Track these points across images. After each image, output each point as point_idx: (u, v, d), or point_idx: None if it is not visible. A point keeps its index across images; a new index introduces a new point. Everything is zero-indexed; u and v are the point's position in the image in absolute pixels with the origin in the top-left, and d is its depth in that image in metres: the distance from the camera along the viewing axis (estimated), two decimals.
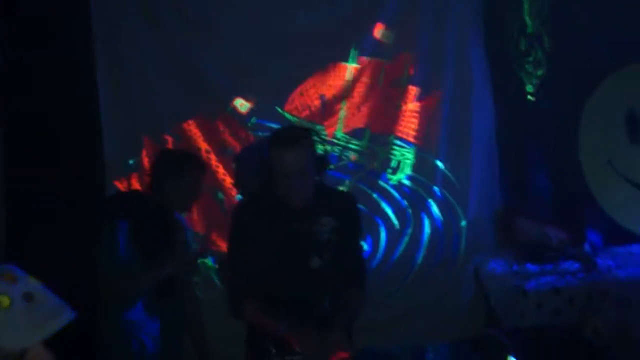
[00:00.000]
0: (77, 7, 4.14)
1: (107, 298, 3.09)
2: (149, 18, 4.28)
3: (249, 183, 3.29)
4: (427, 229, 4.54)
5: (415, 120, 4.51)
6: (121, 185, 4.28)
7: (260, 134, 4.26)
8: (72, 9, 4.15)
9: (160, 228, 3.17)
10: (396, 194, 4.53)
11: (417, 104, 4.51)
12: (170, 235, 3.23)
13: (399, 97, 4.50)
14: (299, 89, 4.43)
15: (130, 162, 4.32)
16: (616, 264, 4.14)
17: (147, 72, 4.29)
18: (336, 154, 4.46)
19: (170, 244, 3.20)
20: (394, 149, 4.52)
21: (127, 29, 4.26)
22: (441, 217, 4.56)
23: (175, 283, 3.21)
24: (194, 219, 4.24)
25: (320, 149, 2.82)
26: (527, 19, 4.52)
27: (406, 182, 4.54)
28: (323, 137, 4.35)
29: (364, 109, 4.48)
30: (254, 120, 4.38)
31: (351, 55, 4.44)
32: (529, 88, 4.58)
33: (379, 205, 4.52)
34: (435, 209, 4.55)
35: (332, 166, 4.35)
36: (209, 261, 4.17)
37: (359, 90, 4.46)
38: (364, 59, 4.45)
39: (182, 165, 3.24)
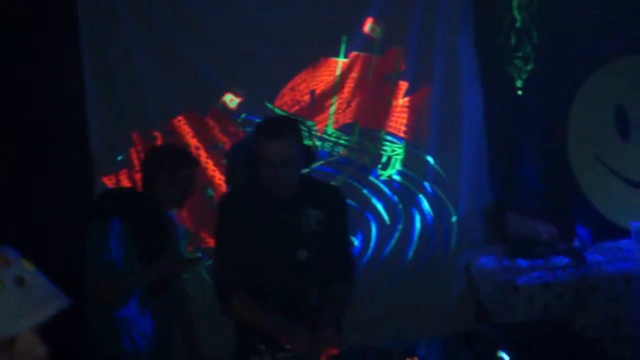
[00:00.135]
0: (63, 1, 4.12)
1: (97, 296, 3.08)
2: (136, 13, 4.25)
3: (240, 179, 3.28)
4: (417, 224, 4.55)
5: (405, 116, 4.52)
6: (109, 182, 4.26)
7: (250, 129, 4.23)
8: (58, 2, 4.13)
9: (153, 226, 3.15)
10: (387, 190, 4.53)
11: (407, 99, 4.51)
12: (166, 235, 3.23)
13: (390, 93, 4.50)
14: (289, 85, 4.43)
15: (119, 158, 4.30)
16: (605, 259, 4.15)
17: (135, 68, 4.27)
18: (327, 149, 4.45)
19: (165, 243, 3.19)
20: (384, 145, 4.52)
21: (114, 24, 4.23)
22: (432, 213, 4.56)
23: (167, 281, 3.19)
24: (183, 215, 4.23)
25: (307, 140, 2.82)
26: (516, 13, 4.52)
27: (396, 177, 4.54)
28: (314, 132, 4.37)
29: (354, 104, 4.48)
30: (243, 115, 4.37)
31: (341, 50, 4.43)
32: (519, 83, 4.59)
33: (369, 201, 4.52)
34: (425, 204, 4.55)
35: (321, 161, 4.37)
36: (201, 264, 4.15)
37: (349, 86, 4.46)
38: (354, 53, 4.45)
39: (175, 162, 3.21)
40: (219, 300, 2.87)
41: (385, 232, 4.52)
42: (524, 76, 4.58)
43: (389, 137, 4.52)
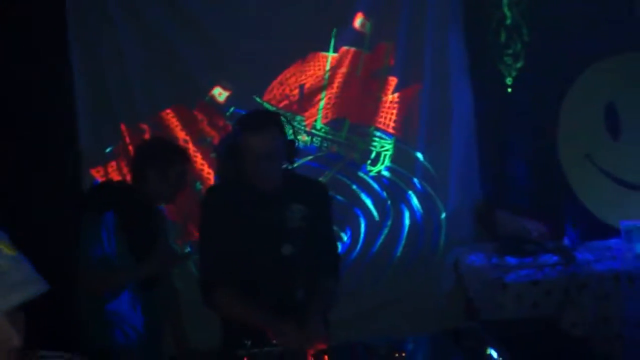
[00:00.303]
0: None
1: (88, 290, 3.07)
2: (126, 6, 4.23)
3: (230, 173, 3.26)
4: (406, 221, 4.53)
5: (395, 112, 4.50)
6: (98, 174, 4.25)
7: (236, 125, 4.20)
8: None
9: (145, 220, 3.15)
10: (376, 186, 4.51)
11: (397, 95, 4.49)
12: (157, 229, 3.23)
13: (379, 88, 4.48)
14: (278, 79, 4.40)
15: (107, 150, 4.27)
16: (595, 257, 4.15)
17: (123, 60, 4.24)
18: (315, 144, 4.43)
19: (156, 237, 3.19)
20: (373, 140, 4.49)
21: (103, 15, 4.21)
22: (421, 209, 4.54)
23: (158, 275, 3.20)
24: (172, 209, 4.18)
25: (290, 134, 2.80)
26: (506, 10, 4.51)
27: (386, 173, 4.51)
28: (302, 127, 4.34)
29: (344, 100, 4.45)
30: (232, 109, 4.34)
31: (331, 44, 4.40)
32: (509, 80, 4.58)
33: (358, 197, 4.50)
34: (415, 200, 4.53)
35: (310, 156, 4.35)
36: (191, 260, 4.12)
37: (339, 80, 4.43)
38: (344, 48, 4.42)
39: (167, 158, 3.20)
40: (202, 294, 2.86)
41: (374, 228, 4.50)
42: (514, 74, 4.57)
43: (378, 133, 4.49)
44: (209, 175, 4.30)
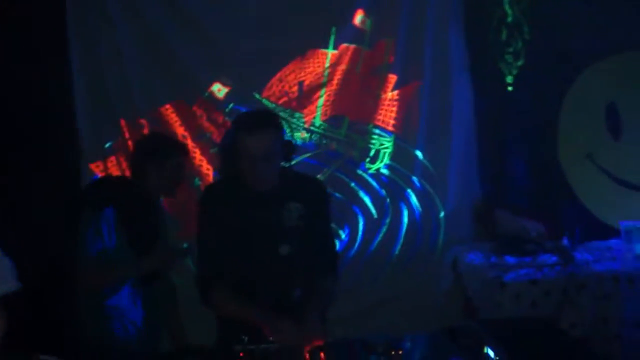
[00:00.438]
0: None
1: (87, 285, 3.08)
2: (125, 2, 4.23)
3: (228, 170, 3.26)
4: (405, 219, 4.52)
5: (395, 109, 4.48)
6: (97, 169, 4.26)
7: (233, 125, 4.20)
8: None
9: (145, 215, 3.16)
10: (374, 183, 4.50)
11: (396, 92, 4.47)
12: (157, 224, 3.24)
13: (379, 86, 4.46)
14: (277, 75, 4.39)
15: (107, 145, 4.28)
16: (594, 258, 4.14)
17: (122, 56, 4.25)
18: (314, 142, 4.41)
19: (157, 232, 3.21)
20: (372, 138, 4.48)
21: (102, 13, 4.21)
22: (420, 208, 4.53)
23: (157, 271, 3.22)
24: (171, 204, 4.18)
25: (287, 134, 2.79)
26: (507, 8, 4.49)
27: (385, 171, 4.50)
28: (301, 124, 4.33)
29: (343, 97, 4.44)
30: (231, 106, 4.33)
31: (331, 41, 4.39)
32: (509, 79, 4.56)
33: (357, 195, 4.49)
34: (414, 199, 4.52)
35: (308, 153, 4.34)
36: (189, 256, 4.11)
37: (338, 78, 4.42)
38: (344, 45, 4.41)
39: (165, 151, 3.22)
40: (199, 292, 2.86)
41: (372, 226, 4.49)
42: (515, 72, 4.56)
43: (377, 131, 4.48)
44: (208, 171, 4.30)
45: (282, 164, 2.83)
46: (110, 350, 3.09)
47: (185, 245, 3.90)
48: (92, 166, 4.25)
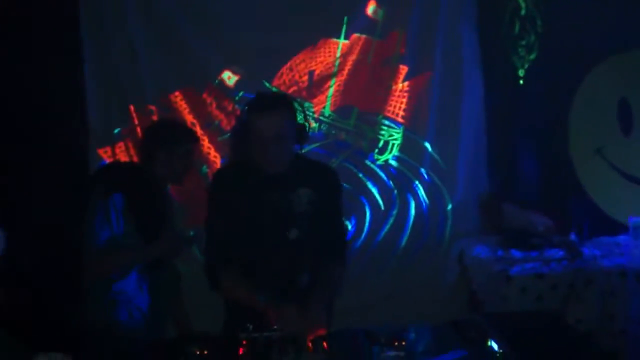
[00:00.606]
0: None
1: (94, 271, 3.07)
2: None
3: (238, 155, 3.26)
4: (412, 211, 4.52)
5: (405, 101, 4.47)
6: (105, 155, 4.27)
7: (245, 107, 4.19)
8: None
9: (153, 201, 3.15)
10: (382, 175, 4.49)
11: (407, 83, 4.46)
12: (165, 210, 3.23)
13: (389, 77, 4.45)
14: (288, 64, 4.39)
15: (115, 131, 4.28)
16: (602, 253, 4.12)
17: (133, 42, 4.25)
18: (323, 131, 4.40)
19: (164, 219, 3.20)
20: (382, 129, 4.47)
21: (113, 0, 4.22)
22: (427, 200, 4.52)
23: (164, 258, 3.22)
24: (178, 192, 4.18)
25: (300, 118, 2.77)
26: (520, 0, 4.46)
27: (393, 162, 4.50)
28: (311, 114, 4.32)
29: (353, 87, 4.43)
30: (241, 94, 4.33)
31: (342, 31, 4.37)
32: (521, 72, 4.53)
33: (364, 185, 4.48)
34: (421, 191, 4.51)
35: (317, 143, 4.33)
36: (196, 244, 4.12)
37: (349, 68, 4.41)
38: (355, 35, 4.40)
39: (174, 137, 3.20)
40: (207, 276, 2.85)
41: (379, 217, 4.49)
42: (527, 65, 4.53)
43: (386, 122, 4.47)
44: (216, 158, 4.31)
45: (296, 148, 2.81)
46: (115, 335, 3.10)
47: (191, 232, 3.91)
48: (101, 152, 4.26)
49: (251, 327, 2.45)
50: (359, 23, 4.39)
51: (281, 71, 4.38)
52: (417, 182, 4.51)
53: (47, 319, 3.59)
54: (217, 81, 4.33)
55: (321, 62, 4.41)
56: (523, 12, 4.47)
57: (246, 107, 2.77)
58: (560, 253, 4.08)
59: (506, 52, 4.52)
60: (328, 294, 2.82)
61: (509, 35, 4.52)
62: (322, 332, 2.49)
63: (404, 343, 2.38)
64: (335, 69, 4.41)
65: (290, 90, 4.36)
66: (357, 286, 4.23)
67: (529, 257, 4.05)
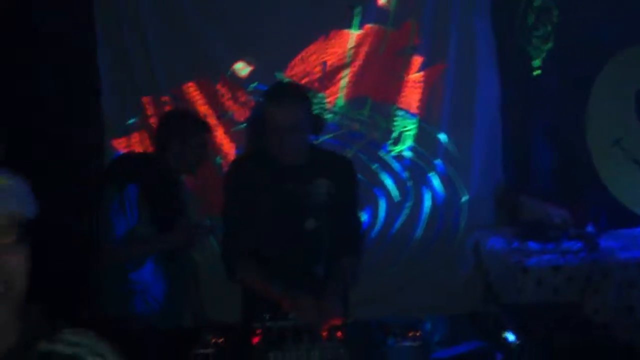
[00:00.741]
0: None
1: (109, 261, 3.10)
2: None
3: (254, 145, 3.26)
4: (427, 202, 4.49)
5: (419, 91, 4.44)
6: (120, 146, 4.29)
7: (260, 99, 4.19)
8: None
9: (167, 191, 3.18)
10: (397, 166, 4.47)
11: (421, 74, 4.43)
12: (179, 201, 3.26)
13: (403, 67, 4.42)
14: (300, 55, 4.37)
15: (130, 122, 4.31)
16: (620, 245, 4.07)
17: (146, 34, 4.27)
18: (336, 123, 4.38)
19: (178, 209, 3.23)
20: (395, 120, 4.44)
21: None
22: (442, 192, 4.49)
23: (179, 247, 3.24)
24: (192, 182, 4.18)
25: (316, 110, 2.77)
26: None
27: (407, 153, 4.47)
28: (324, 105, 4.30)
29: (366, 78, 4.40)
30: (254, 84, 4.31)
31: (354, 21, 4.34)
32: (536, 62, 4.49)
33: (378, 177, 4.46)
34: (436, 182, 4.48)
35: (330, 134, 4.31)
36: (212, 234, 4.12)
37: (361, 58, 4.38)
38: (368, 26, 4.37)
39: (188, 128, 3.22)
40: (225, 266, 2.87)
41: (393, 209, 4.47)
42: (542, 55, 4.47)
43: (400, 113, 4.44)
44: (229, 149, 4.31)
45: (312, 139, 2.82)
46: (132, 324, 3.11)
47: (208, 221, 3.92)
48: (115, 142, 4.28)
49: (267, 316, 2.45)
50: (372, 13, 4.36)
51: (294, 62, 4.36)
52: (431, 174, 4.48)
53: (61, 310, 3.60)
54: (230, 72, 4.32)
55: (334, 53, 4.39)
56: (538, 2, 4.42)
57: (262, 98, 2.78)
58: (577, 245, 4.03)
59: (521, 42, 4.47)
60: (343, 285, 2.82)
61: (523, 26, 4.47)
62: (337, 322, 2.48)
63: (419, 334, 2.37)
64: (348, 60, 4.38)
65: (303, 82, 4.33)
66: (372, 277, 4.19)
67: (545, 249, 4.01)
